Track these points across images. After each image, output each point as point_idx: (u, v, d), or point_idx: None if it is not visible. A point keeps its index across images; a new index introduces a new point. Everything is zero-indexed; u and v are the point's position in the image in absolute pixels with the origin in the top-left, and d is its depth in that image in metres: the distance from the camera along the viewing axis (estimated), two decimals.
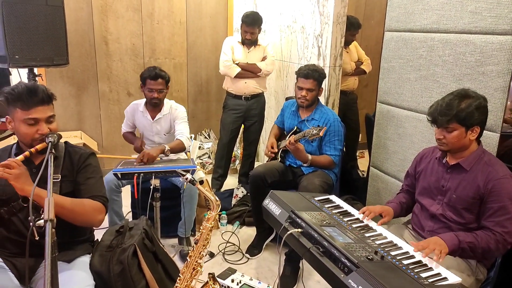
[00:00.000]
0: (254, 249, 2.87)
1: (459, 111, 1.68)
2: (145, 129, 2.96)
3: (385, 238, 1.75)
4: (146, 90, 2.83)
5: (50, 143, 1.51)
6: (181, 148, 2.78)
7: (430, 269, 1.54)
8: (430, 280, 1.45)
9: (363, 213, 1.94)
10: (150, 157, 2.48)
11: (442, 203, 1.85)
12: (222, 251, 2.88)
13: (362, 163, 4.56)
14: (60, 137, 1.63)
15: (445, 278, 1.49)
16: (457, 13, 2.12)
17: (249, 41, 3.53)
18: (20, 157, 1.53)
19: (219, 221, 3.23)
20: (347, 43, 3.80)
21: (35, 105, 1.59)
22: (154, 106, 2.90)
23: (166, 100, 2.96)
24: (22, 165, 1.50)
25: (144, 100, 2.96)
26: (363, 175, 4.13)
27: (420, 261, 1.59)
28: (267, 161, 3.06)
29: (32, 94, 1.58)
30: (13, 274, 1.61)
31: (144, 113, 2.94)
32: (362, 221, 1.90)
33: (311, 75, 2.63)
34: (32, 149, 1.57)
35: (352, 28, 3.75)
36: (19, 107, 1.58)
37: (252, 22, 3.43)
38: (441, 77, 2.25)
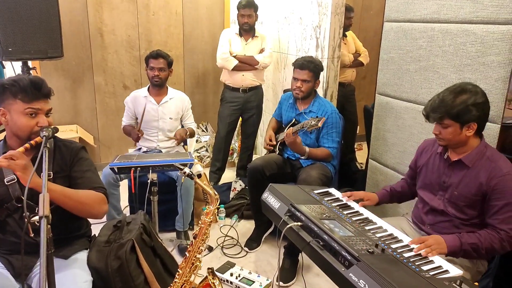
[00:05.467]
0: (252, 242, 2.86)
1: (451, 108, 1.65)
2: (149, 114, 2.95)
3: (386, 231, 1.74)
4: (148, 69, 2.95)
5: (44, 137, 1.47)
6: (192, 134, 3.15)
7: (431, 262, 1.53)
8: (431, 273, 1.44)
9: (348, 196, 2.03)
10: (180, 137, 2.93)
11: (443, 199, 1.82)
12: (221, 245, 2.87)
13: (360, 155, 4.54)
14: (55, 131, 1.60)
15: (446, 271, 1.48)
16: (458, 2, 2.09)
17: (248, 26, 3.47)
18: (21, 148, 1.49)
19: (217, 215, 3.22)
20: (344, 29, 3.74)
21: (37, 98, 1.57)
22: (157, 86, 2.96)
23: (169, 87, 3.09)
24: (25, 156, 1.47)
25: (145, 88, 3.04)
26: (361, 167, 4.12)
27: (420, 254, 1.57)
28: (265, 154, 3.04)
29: (37, 87, 1.56)
30: (9, 272, 1.59)
31: (148, 98, 2.98)
32: (362, 214, 1.89)
33: (306, 66, 2.61)
34: (32, 142, 1.54)
35: (345, 11, 3.67)
36: (19, 99, 1.55)
37: (247, 3, 3.42)
38: (441, 68, 2.23)
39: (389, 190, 2.13)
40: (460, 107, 1.64)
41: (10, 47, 2.64)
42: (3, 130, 1.69)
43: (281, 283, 2.42)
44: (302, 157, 2.66)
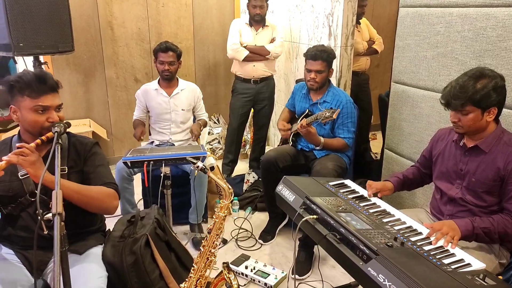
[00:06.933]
0: (267, 234, 2.83)
1: (474, 93, 1.59)
2: (160, 107, 2.94)
3: (404, 223, 1.70)
4: (158, 63, 2.90)
5: (56, 133, 1.46)
6: (205, 125, 3.12)
7: (453, 255, 1.48)
8: (453, 267, 1.40)
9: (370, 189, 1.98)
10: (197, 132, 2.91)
11: (461, 187, 1.78)
12: (235, 237, 2.86)
13: (375, 145, 4.47)
14: (67, 126, 1.58)
15: (468, 264, 1.44)
16: None
17: (259, 17, 3.42)
18: (32, 144, 1.49)
19: (231, 207, 3.20)
20: (357, 17, 3.66)
21: (44, 92, 1.55)
22: (166, 79, 2.94)
23: (180, 79, 3.06)
24: (35, 152, 1.47)
25: (155, 81, 3.02)
26: (376, 157, 4.05)
27: (441, 247, 1.53)
28: (278, 145, 3.00)
29: (41, 81, 1.55)
30: (25, 267, 1.59)
31: (158, 90, 2.96)
32: (379, 206, 1.84)
33: (319, 56, 2.54)
34: (43, 137, 1.53)
35: None
36: (27, 95, 1.53)
37: None
38: (460, 54, 2.15)
39: (402, 178, 2.07)
40: (482, 92, 1.59)
41: (21, 42, 2.64)
42: (18, 125, 1.70)
43: (296, 276, 2.40)
44: (317, 148, 2.61)
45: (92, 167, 1.68)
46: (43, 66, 3.02)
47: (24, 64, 3.13)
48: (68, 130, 1.63)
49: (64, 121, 1.60)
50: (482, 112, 1.63)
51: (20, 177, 1.59)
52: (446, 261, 1.43)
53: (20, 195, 1.59)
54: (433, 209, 1.94)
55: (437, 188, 1.92)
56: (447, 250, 1.52)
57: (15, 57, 3.00)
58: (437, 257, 1.44)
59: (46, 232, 1.23)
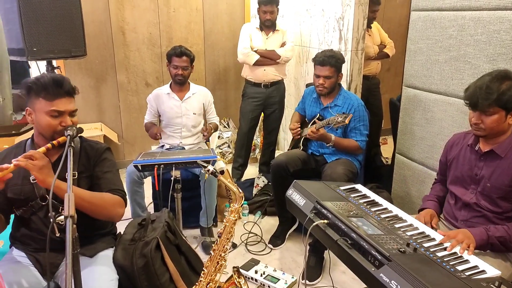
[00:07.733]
0: (277, 239, 2.82)
1: (501, 94, 1.57)
2: (172, 111, 2.96)
3: (417, 228, 1.67)
4: (171, 67, 2.93)
5: (69, 136, 1.47)
6: (216, 129, 3.15)
7: (467, 261, 1.46)
8: (467, 273, 1.37)
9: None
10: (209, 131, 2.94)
11: (476, 192, 1.75)
12: (245, 241, 2.85)
13: (385, 150, 4.43)
14: (80, 131, 1.59)
15: (483, 271, 1.41)
16: None
17: (270, 23, 3.42)
18: (42, 148, 1.49)
19: (241, 211, 3.19)
20: (368, 22, 3.65)
21: (60, 96, 1.56)
22: (179, 84, 2.97)
23: (191, 83, 3.09)
24: (44, 157, 1.47)
25: (167, 85, 3.04)
26: (386, 162, 4.01)
27: (455, 253, 1.50)
28: (288, 149, 2.99)
29: (58, 84, 1.55)
30: (36, 269, 1.60)
31: (170, 95, 2.98)
32: (391, 211, 1.82)
33: (327, 61, 2.53)
34: (54, 142, 1.54)
35: (371, 4, 3.57)
36: (42, 97, 1.54)
37: (269, 0, 3.34)
38: (473, 58, 2.12)
39: (437, 200, 1.99)
40: (509, 93, 1.57)
41: (34, 47, 2.68)
42: (31, 129, 1.71)
43: (307, 281, 2.38)
44: (328, 145, 2.58)
45: (100, 173, 1.68)
46: (55, 70, 3.07)
47: (37, 68, 3.18)
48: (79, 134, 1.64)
49: (78, 126, 1.60)
50: (506, 114, 1.61)
51: (32, 181, 1.60)
52: (460, 267, 1.40)
53: (31, 199, 1.60)
54: (447, 214, 1.91)
55: (451, 193, 1.89)
56: (461, 256, 1.49)
57: (29, 62, 3.05)
58: (451, 263, 1.42)
59: (58, 235, 1.23)
